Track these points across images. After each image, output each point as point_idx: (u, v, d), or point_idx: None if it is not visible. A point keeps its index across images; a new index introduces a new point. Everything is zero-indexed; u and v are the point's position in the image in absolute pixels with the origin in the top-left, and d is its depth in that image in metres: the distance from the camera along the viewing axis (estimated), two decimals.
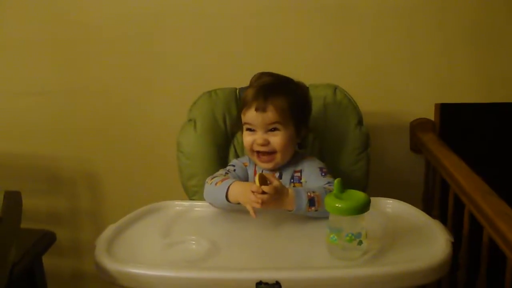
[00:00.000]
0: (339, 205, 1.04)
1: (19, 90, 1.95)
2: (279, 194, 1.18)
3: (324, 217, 1.10)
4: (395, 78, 1.85)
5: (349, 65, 1.84)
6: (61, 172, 2.02)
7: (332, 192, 1.08)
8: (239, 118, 1.38)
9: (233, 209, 1.25)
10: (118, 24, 1.86)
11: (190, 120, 1.54)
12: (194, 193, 1.51)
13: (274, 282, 0.96)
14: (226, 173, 1.36)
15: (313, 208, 1.20)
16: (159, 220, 1.27)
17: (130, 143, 1.97)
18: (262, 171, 1.36)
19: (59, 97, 1.94)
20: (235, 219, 1.24)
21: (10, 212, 1.12)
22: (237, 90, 1.57)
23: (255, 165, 1.39)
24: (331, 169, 1.40)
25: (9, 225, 1.09)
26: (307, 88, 1.52)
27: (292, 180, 1.37)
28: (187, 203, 1.37)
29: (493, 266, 1.33)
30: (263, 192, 1.15)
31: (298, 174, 1.37)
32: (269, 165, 1.35)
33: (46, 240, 1.60)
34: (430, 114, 1.86)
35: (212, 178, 1.32)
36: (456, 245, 1.13)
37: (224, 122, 1.54)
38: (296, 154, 1.40)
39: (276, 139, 1.32)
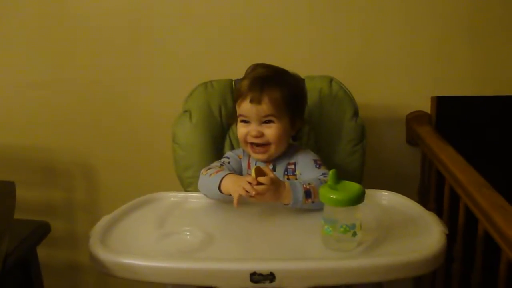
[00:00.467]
0: (334, 196, 1.04)
1: (15, 82, 1.94)
2: (275, 186, 1.17)
3: (320, 208, 1.09)
4: (392, 71, 1.85)
5: (345, 57, 1.84)
6: (57, 164, 2.02)
7: (326, 183, 1.08)
8: (235, 110, 1.38)
9: (226, 201, 1.24)
10: (115, 16, 1.85)
11: (185, 111, 1.53)
12: (189, 184, 1.51)
13: (268, 273, 0.96)
14: (221, 164, 1.36)
15: (309, 200, 1.20)
16: (153, 211, 1.27)
17: (125, 134, 1.96)
18: (256, 163, 1.35)
19: (55, 89, 1.93)
20: (229, 210, 1.23)
21: (3, 202, 1.11)
22: (233, 82, 1.57)
23: (249, 157, 1.39)
24: (326, 161, 1.39)
25: (1, 215, 1.09)
26: (303, 80, 1.51)
27: (286, 173, 1.36)
28: (181, 194, 1.37)
29: (488, 258, 1.33)
30: (259, 183, 1.15)
31: (292, 166, 1.37)
32: (263, 157, 1.34)
33: (41, 230, 1.60)
34: (426, 107, 1.86)
35: (207, 170, 1.31)
36: (451, 238, 1.13)
37: (220, 113, 1.53)
38: (290, 147, 1.39)
39: (270, 131, 1.31)
